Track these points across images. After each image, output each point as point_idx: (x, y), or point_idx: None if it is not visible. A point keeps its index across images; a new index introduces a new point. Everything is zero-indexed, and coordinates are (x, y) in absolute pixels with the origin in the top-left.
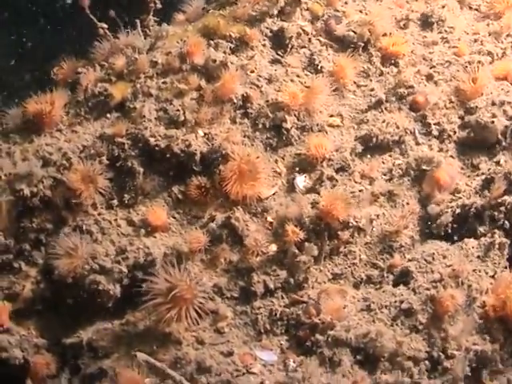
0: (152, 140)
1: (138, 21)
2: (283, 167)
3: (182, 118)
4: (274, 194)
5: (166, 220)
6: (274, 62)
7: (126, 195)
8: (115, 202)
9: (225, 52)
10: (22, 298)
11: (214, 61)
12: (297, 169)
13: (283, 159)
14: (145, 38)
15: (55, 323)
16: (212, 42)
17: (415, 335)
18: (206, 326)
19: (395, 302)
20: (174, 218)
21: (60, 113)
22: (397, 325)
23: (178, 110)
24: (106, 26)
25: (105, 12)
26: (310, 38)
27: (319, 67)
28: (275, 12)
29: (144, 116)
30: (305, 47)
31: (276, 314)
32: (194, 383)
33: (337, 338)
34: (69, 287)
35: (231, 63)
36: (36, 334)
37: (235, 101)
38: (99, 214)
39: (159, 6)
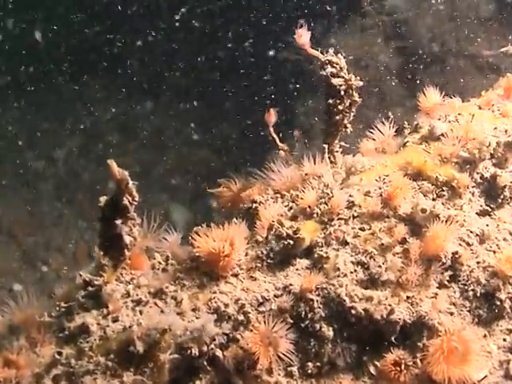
0: (348, 301)
1: (325, 145)
2: (493, 345)
3: (385, 277)
4: (483, 378)
5: None
6: (482, 213)
7: (309, 363)
8: (295, 369)
9: (432, 199)
10: None
11: (424, 210)
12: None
13: (493, 335)
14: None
15: None
16: (416, 183)
17: None
18: None
19: None
20: None
21: (240, 254)
22: None
23: (380, 267)
24: (287, 147)
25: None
26: None
27: None
28: (487, 156)
29: (339, 269)
30: None
31: None
32: None
33: None
34: None
35: (440, 214)
36: None
37: (444, 260)
38: (276, 383)
39: (350, 130)
